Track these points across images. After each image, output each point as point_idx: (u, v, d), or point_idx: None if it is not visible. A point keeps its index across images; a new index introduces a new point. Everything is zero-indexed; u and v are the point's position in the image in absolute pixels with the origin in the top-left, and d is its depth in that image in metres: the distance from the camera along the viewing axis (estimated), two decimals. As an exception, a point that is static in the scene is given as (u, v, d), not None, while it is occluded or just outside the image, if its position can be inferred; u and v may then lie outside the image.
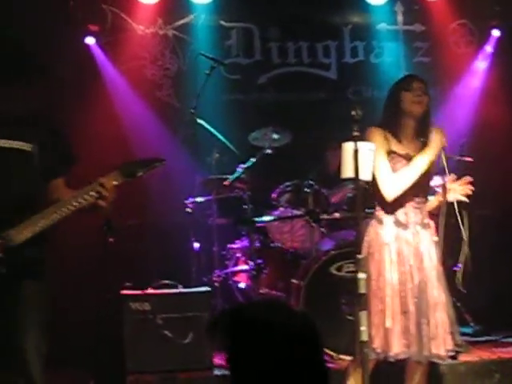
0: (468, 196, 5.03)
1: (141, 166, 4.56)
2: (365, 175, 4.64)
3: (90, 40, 7.86)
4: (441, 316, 4.82)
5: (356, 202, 4.65)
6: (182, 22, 8.16)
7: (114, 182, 4.23)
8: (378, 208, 4.93)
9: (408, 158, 4.83)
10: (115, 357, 5.79)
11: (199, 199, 6.99)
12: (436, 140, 4.84)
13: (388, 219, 4.87)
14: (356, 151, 4.55)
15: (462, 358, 6.09)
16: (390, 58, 8.55)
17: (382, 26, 8.54)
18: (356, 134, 4.60)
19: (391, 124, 4.91)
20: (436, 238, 4.96)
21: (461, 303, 6.95)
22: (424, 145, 4.87)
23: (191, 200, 6.95)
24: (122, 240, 5.67)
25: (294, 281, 6.64)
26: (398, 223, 4.86)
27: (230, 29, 8.30)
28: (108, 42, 7.91)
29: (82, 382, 5.94)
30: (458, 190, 5.00)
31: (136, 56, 8.00)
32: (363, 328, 4.45)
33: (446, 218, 4.90)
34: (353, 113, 4.68)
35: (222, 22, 8.28)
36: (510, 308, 7.30)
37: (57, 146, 4.27)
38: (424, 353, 4.76)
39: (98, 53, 7.87)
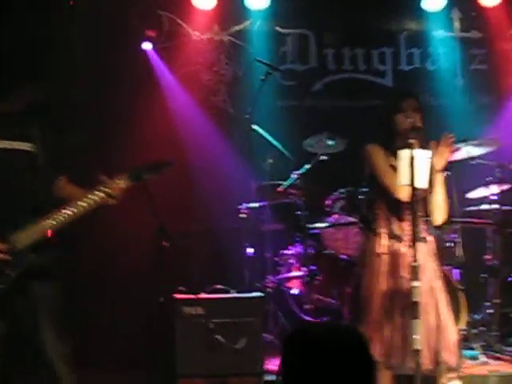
0: None
1: (148, 170, 4.60)
2: (421, 183, 4.64)
3: (146, 45, 7.94)
4: (437, 328, 4.78)
5: (412, 210, 4.64)
6: (237, 27, 8.19)
7: (121, 185, 4.30)
8: (376, 221, 4.98)
9: None
10: (166, 361, 5.82)
11: (253, 205, 7.00)
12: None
13: (383, 230, 4.93)
14: (412, 158, 4.55)
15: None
16: (446, 65, 8.48)
17: (439, 33, 8.48)
18: (412, 141, 4.61)
19: (388, 145, 4.95)
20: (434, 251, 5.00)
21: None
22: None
23: (245, 205, 6.97)
24: (176, 244, 5.67)
25: (347, 289, 6.63)
26: (392, 235, 4.92)
27: (286, 35, 8.31)
28: (164, 47, 7.98)
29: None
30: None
31: (191, 61, 8.06)
32: (416, 336, 4.44)
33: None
34: (410, 120, 4.70)
35: (278, 28, 8.29)
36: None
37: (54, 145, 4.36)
38: (407, 364, 4.71)
39: (154, 58, 7.95)
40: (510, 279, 7.13)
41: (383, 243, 4.92)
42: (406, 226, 4.90)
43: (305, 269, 6.88)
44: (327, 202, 7.14)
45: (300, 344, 2.40)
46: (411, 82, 8.41)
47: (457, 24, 8.47)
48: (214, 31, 8.15)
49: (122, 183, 4.30)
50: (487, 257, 7.07)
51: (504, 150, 6.94)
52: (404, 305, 4.77)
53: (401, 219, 4.94)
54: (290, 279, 7.12)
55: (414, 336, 4.43)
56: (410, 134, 4.68)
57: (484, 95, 8.39)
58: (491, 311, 6.87)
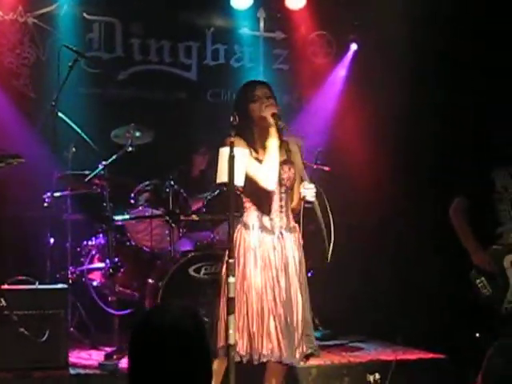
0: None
1: None
2: (239, 181, 4.72)
3: None
4: (302, 320, 4.95)
5: (227, 206, 4.68)
6: (43, 10, 7.95)
7: None
8: (246, 214, 5.00)
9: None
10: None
11: (57, 194, 6.84)
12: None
13: (254, 224, 4.96)
14: (232, 157, 4.60)
15: (314, 361, 6.26)
16: (251, 64, 8.67)
17: (244, 31, 8.64)
18: (232, 139, 4.67)
19: (246, 135, 4.96)
20: (300, 241, 5.10)
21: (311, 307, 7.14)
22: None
23: (48, 194, 6.79)
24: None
25: (150, 280, 6.65)
26: (263, 228, 4.96)
27: (93, 22, 8.17)
28: (-36, 25, 7.63)
29: None
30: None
31: (-7, 42, 7.75)
32: (231, 331, 4.52)
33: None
34: (231, 119, 4.75)
35: (85, 15, 8.13)
36: (357, 313, 7.56)
37: None
38: (294, 356, 4.89)
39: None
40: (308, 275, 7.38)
41: (255, 236, 4.93)
42: (277, 218, 4.98)
43: (108, 260, 6.81)
44: (132, 194, 7.10)
45: (142, 333, 2.41)
46: (216, 77, 8.53)
47: (262, 24, 8.68)
48: (17, 12, 7.86)
49: None
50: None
51: (304, 149, 7.17)
52: (282, 298, 4.86)
53: (269, 211, 4.98)
54: (92, 270, 7.03)
55: (230, 331, 4.50)
56: (230, 132, 4.74)
57: (285, 94, 8.64)
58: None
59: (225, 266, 4.79)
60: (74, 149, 6.90)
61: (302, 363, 5.12)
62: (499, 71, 7.10)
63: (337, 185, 7.84)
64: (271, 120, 4.89)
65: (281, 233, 4.99)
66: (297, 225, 5.09)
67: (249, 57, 8.66)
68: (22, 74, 7.90)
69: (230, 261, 4.56)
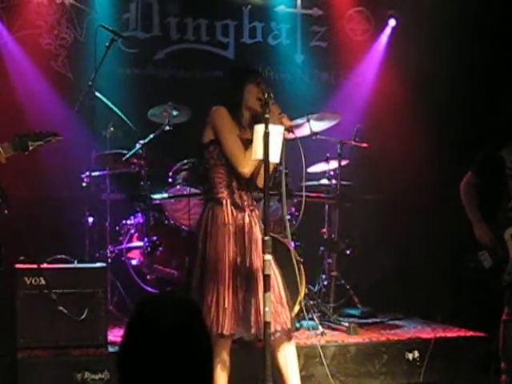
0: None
1: (33, 139, 4.45)
2: (274, 157, 4.71)
3: (-16, 5, 7.61)
4: (275, 294, 4.87)
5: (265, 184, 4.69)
6: (80, -10, 7.97)
7: (4, 154, 4.13)
8: (216, 190, 4.97)
9: (249, 143, 4.89)
10: (6, 332, 5.64)
11: (95, 173, 6.87)
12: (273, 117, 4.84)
13: (227, 201, 4.96)
14: (267, 134, 4.59)
15: (352, 339, 6.26)
16: (288, 41, 8.61)
17: (281, 9, 8.58)
18: (267, 116, 4.65)
19: (234, 111, 4.97)
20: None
21: (349, 286, 7.14)
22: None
23: (87, 174, 6.82)
24: (16, 213, 5.49)
25: (187, 259, 6.65)
26: (235, 205, 4.98)
27: (130, 1, 8.14)
28: (3, 7, 7.66)
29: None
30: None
31: (31, 24, 7.76)
32: (267, 309, 4.52)
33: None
34: (264, 95, 4.73)
35: (122, -6, 8.14)
36: (393, 291, 7.52)
37: None
38: (253, 331, 4.88)
39: (-9, 19, 7.63)
40: (347, 252, 7.37)
41: (228, 213, 4.93)
42: (245, 196, 5.00)
43: (146, 239, 6.84)
44: (170, 173, 7.11)
45: (139, 317, 2.37)
46: (253, 55, 8.49)
47: (299, 0, 8.61)
48: (54, -7, 7.89)
49: (4, 152, 4.10)
50: (324, 230, 7.29)
51: (343, 126, 7.15)
52: (248, 275, 4.87)
53: (241, 188, 4.99)
54: (131, 249, 7.06)
55: (266, 308, 4.50)
56: (262, 109, 4.73)
57: (323, 72, 8.59)
58: (328, 283, 7.10)
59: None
60: (111, 128, 6.93)
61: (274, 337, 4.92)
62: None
63: (375, 161, 7.85)
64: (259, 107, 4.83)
65: (250, 210, 5.02)
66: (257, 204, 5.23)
67: (286, 34, 8.59)
68: (60, 54, 7.92)
69: (266, 238, 4.57)
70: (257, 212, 5.09)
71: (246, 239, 4.93)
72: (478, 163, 5.74)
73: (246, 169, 4.89)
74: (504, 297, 5.61)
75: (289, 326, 4.92)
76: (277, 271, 4.96)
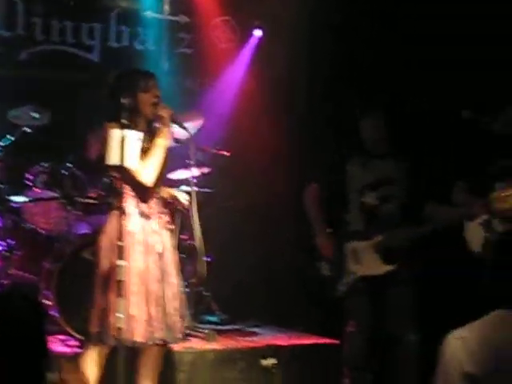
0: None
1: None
2: (130, 163, 4.71)
3: None
4: (177, 302, 5.04)
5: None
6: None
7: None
8: (122, 199, 4.92)
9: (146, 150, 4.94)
10: None
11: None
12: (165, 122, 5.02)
13: (133, 210, 4.97)
14: (123, 138, 4.59)
15: (209, 346, 6.31)
16: (154, 47, 8.60)
17: (148, 14, 8.57)
18: (124, 121, 4.66)
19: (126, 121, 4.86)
20: (172, 227, 5.33)
21: (209, 292, 7.18)
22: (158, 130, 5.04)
23: None
24: None
25: (45, 264, 6.57)
26: (142, 214, 5.00)
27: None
28: None
29: None
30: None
31: None
32: (120, 315, 4.52)
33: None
34: (122, 100, 4.74)
35: (-16, -8, 7.95)
36: (253, 297, 7.61)
37: None
38: (174, 337, 5.02)
39: None
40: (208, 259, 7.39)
41: (135, 222, 4.94)
42: (152, 204, 5.03)
43: (3, 243, 6.71)
44: (29, 176, 7.00)
45: None
46: (119, 59, 8.42)
47: (166, 6, 8.62)
48: None
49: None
50: (183, 237, 7.29)
51: (204, 134, 7.19)
52: (159, 281, 4.95)
53: (147, 198, 5.02)
54: (-13, 253, 6.90)
55: (118, 314, 4.50)
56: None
57: (188, 78, 8.62)
58: (187, 290, 7.10)
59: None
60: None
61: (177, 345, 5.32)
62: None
63: (237, 169, 7.94)
64: (166, 121, 4.90)
65: (159, 217, 5.05)
66: (166, 210, 5.22)
67: (152, 40, 8.59)
68: None
69: (120, 244, 4.58)
70: (166, 218, 5.13)
71: (155, 246, 4.99)
72: (324, 175, 5.90)
73: (148, 181, 4.92)
74: (343, 307, 5.76)
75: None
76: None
